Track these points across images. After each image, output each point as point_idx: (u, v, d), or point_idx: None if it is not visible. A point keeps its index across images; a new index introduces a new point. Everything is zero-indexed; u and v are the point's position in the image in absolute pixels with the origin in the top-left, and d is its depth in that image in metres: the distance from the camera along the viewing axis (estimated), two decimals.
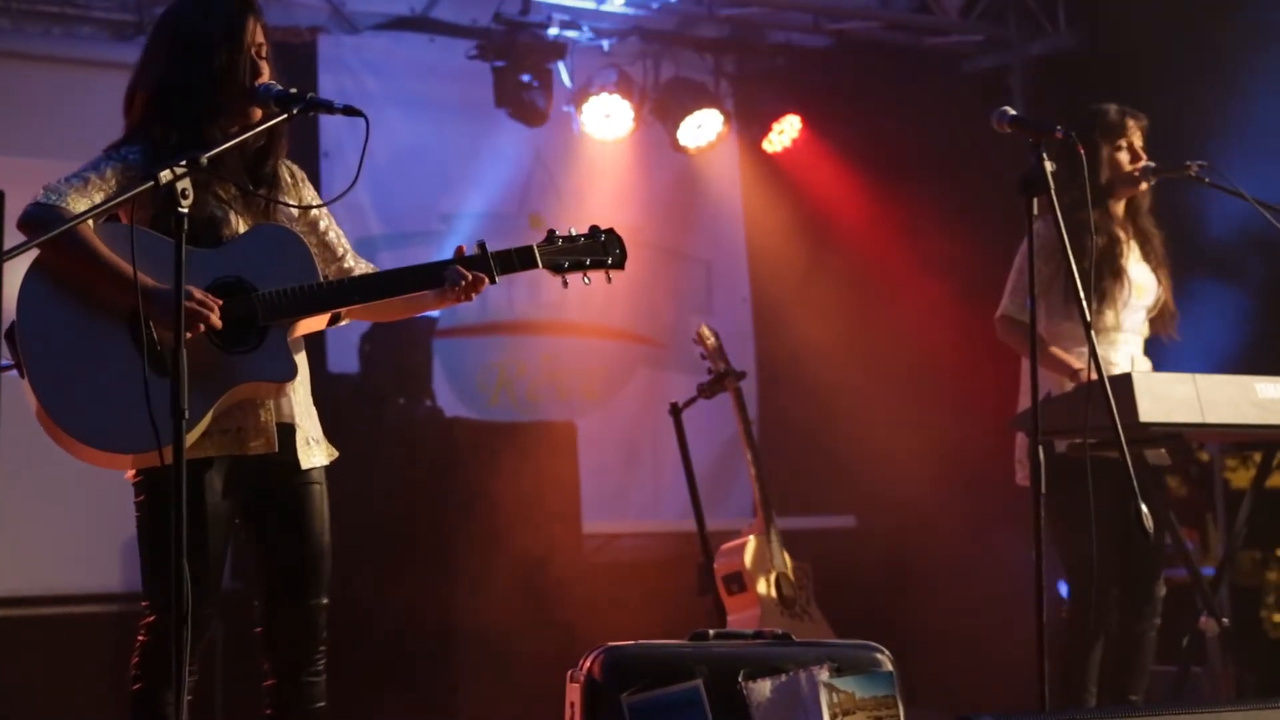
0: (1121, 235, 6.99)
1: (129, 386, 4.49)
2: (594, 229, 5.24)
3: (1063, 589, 7.39)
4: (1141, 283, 7.00)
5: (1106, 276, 6.83)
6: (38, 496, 8.63)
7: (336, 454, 5.03)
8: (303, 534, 4.89)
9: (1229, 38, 9.45)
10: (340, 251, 5.12)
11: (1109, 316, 6.89)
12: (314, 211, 5.09)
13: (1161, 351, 7.28)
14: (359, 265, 5.13)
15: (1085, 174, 5.56)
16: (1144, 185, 6.96)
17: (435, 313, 9.62)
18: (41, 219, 4.57)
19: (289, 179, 5.06)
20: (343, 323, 5.14)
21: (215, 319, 4.59)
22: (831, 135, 11.43)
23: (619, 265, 5.23)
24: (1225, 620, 7.00)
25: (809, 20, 11.16)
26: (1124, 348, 6.93)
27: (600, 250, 5.21)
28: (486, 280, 4.98)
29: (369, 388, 9.74)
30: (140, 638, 4.77)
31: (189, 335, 4.42)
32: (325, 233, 5.10)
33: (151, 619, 4.75)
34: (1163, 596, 6.95)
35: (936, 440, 10.43)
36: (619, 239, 5.25)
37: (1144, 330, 7.10)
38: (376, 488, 9.06)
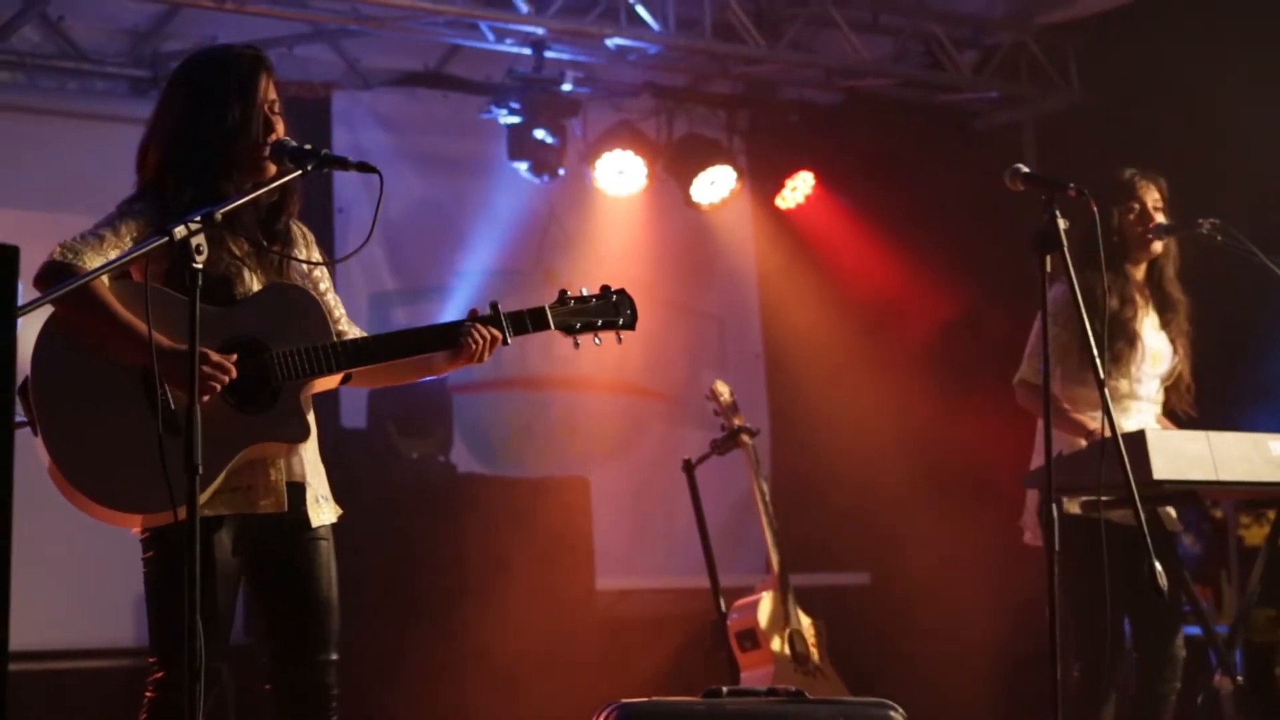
0: (1138, 299, 6.94)
1: (141, 445, 4.46)
2: (605, 289, 5.23)
3: None
4: (1156, 349, 6.94)
5: (1119, 340, 6.78)
6: (48, 550, 8.60)
7: (341, 511, 5.01)
8: (310, 590, 4.87)
9: (1243, 95, 9.45)
10: (336, 315, 5.09)
11: (1123, 384, 6.84)
12: (317, 271, 5.07)
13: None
14: (351, 330, 5.11)
15: (1098, 232, 5.55)
16: (1157, 244, 6.92)
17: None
18: (57, 277, 4.56)
19: (301, 238, 5.05)
20: (353, 384, 5.12)
21: (225, 381, 4.58)
22: (844, 192, 11.44)
23: (630, 326, 5.24)
24: (1240, 678, 6.96)
25: (821, 77, 11.19)
26: (1137, 415, 6.87)
27: (611, 311, 5.21)
28: (500, 341, 4.99)
29: (382, 443, 9.73)
30: (149, 694, 4.74)
31: (205, 399, 4.41)
32: (325, 294, 5.08)
33: (160, 675, 4.72)
34: (1183, 658, 6.91)
35: (951, 497, 10.40)
36: (630, 299, 5.26)
37: (1158, 399, 7.04)
38: (390, 543, 9.05)
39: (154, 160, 4.87)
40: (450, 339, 4.97)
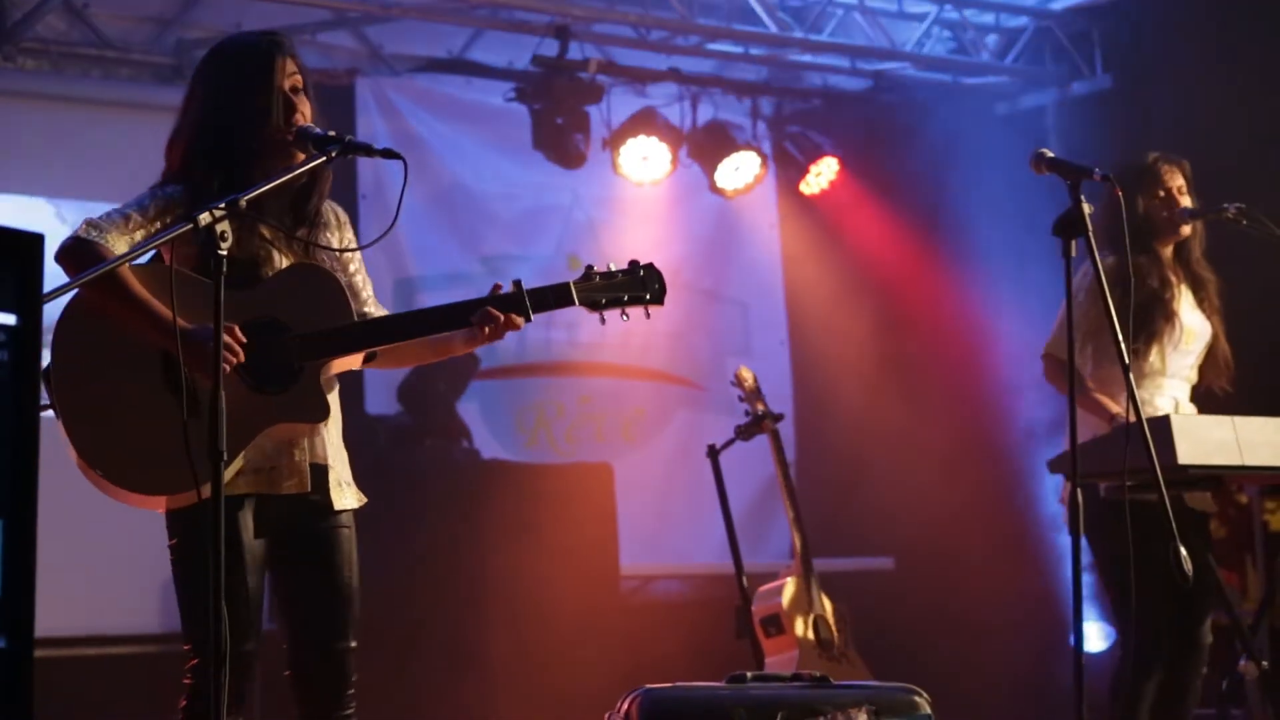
0: (1173, 279, 6.92)
1: (163, 428, 4.47)
2: (633, 264, 5.15)
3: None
4: (1193, 327, 6.91)
5: (1158, 318, 6.74)
6: (75, 536, 8.63)
7: (365, 499, 5.00)
8: (331, 577, 4.85)
9: (1268, 80, 9.42)
10: (364, 296, 5.08)
11: (1154, 360, 6.80)
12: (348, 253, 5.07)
13: None
14: (377, 311, 5.09)
15: (1124, 216, 5.53)
16: (1184, 228, 6.90)
17: (479, 352, 9.64)
18: (80, 253, 4.55)
19: (333, 219, 5.04)
20: (375, 365, 5.11)
21: (234, 358, 4.57)
22: (869, 177, 11.43)
23: (658, 300, 5.13)
24: (1265, 663, 6.94)
25: (846, 62, 11.18)
26: (1168, 392, 6.84)
27: (639, 286, 5.11)
28: (520, 319, 4.94)
29: (406, 429, 9.74)
30: (187, 680, 4.73)
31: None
32: (354, 274, 5.07)
33: (196, 661, 4.71)
34: (1209, 644, 6.88)
35: (975, 482, 10.39)
36: (658, 273, 5.15)
37: (1191, 376, 7.01)
38: (414, 529, 9.06)
39: (181, 148, 4.86)
40: (467, 318, 4.94)
